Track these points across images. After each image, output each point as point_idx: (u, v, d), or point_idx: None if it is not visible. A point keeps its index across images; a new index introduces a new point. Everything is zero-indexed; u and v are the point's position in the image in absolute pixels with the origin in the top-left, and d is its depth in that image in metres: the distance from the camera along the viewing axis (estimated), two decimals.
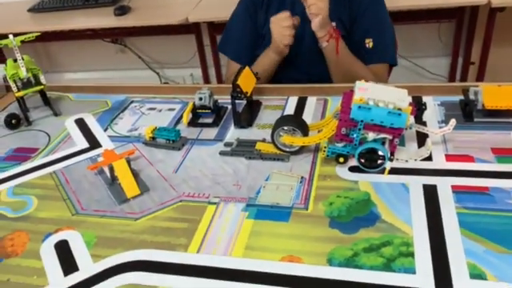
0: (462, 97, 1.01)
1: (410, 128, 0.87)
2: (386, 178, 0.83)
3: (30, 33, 1.15)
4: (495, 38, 2.08)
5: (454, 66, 2.40)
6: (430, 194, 0.77)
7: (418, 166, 0.84)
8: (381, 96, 0.80)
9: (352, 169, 0.86)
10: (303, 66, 1.29)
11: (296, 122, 0.91)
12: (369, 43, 1.25)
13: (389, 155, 0.82)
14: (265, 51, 1.26)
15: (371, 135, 0.82)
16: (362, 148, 0.82)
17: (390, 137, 0.82)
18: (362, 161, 0.84)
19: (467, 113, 0.97)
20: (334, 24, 1.21)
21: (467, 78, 2.33)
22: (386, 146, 0.83)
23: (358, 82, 0.84)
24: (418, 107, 0.91)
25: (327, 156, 0.86)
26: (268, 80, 1.30)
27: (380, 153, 0.82)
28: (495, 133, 0.91)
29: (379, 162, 0.83)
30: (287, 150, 0.91)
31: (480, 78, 2.21)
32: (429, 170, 0.83)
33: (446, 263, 0.65)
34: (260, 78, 1.12)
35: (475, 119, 0.96)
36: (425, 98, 1.05)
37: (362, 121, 0.80)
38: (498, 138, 0.90)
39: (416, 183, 0.80)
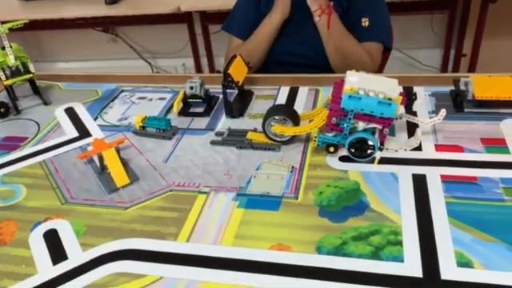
0: (452, 87, 1.01)
1: (401, 118, 0.87)
2: (375, 167, 0.83)
3: (20, 20, 1.13)
4: (487, 30, 2.09)
5: (446, 58, 2.41)
6: (419, 183, 0.78)
7: (408, 156, 0.85)
8: (371, 86, 0.80)
9: (342, 158, 0.86)
10: (298, 37, 1.30)
11: (287, 111, 0.91)
12: (365, 22, 1.26)
13: (378, 145, 0.83)
14: (266, 16, 1.28)
15: (361, 125, 0.82)
16: (352, 138, 0.82)
17: (380, 127, 0.82)
18: (352, 150, 0.84)
19: (458, 103, 0.98)
20: (331, 2, 1.23)
21: (459, 70, 2.34)
22: (376, 135, 0.84)
23: (348, 72, 0.84)
24: (409, 97, 0.91)
25: (318, 146, 0.86)
26: (265, 52, 1.31)
27: (370, 142, 0.82)
28: (485, 123, 0.92)
29: (369, 151, 0.83)
30: (278, 139, 0.91)
31: (472, 69, 2.23)
32: (418, 160, 0.83)
33: (434, 252, 0.65)
34: (252, 66, 1.11)
35: (465, 109, 0.96)
36: (416, 89, 1.05)
37: (352, 110, 0.80)
38: (487, 128, 0.90)
39: (405, 173, 0.80)
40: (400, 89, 0.81)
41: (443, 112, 0.85)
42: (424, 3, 2.01)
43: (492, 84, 0.96)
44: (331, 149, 0.86)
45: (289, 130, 0.89)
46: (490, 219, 0.70)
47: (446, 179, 0.78)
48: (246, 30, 1.33)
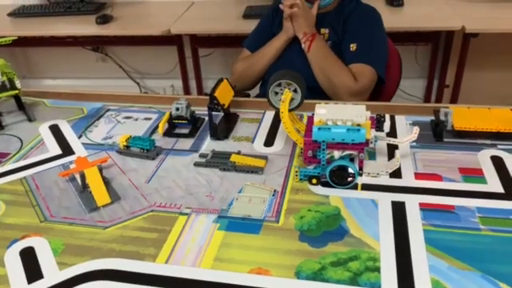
0: (433, 117, 1.04)
1: (376, 141, 0.89)
2: (356, 193, 0.84)
3: (8, 37, 1.14)
4: (469, 62, 2.15)
5: (430, 88, 2.47)
6: (399, 210, 0.79)
7: (388, 183, 0.86)
8: (339, 115, 0.83)
9: (324, 183, 0.87)
10: (291, 59, 1.39)
11: (291, 75, 0.92)
12: (353, 47, 1.33)
13: (358, 170, 0.84)
14: (276, 36, 1.42)
15: (336, 153, 0.84)
16: (331, 166, 0.84)
17: (355, 152, 0.84)
18: (334, 179, 0.85)
19: (437, 133, 1.00)
20: (327, 30, 1.35)
21: (442, 100, 2.40)
22: (356, 162, 0.85)
23: (316, 105, 0.87)
24: (378, 119, 0.91)
25: (300, 180, 0.87)
26: (264, 68, 1.43)
27: (350, 170, 0.83)
28: (463, 153, 0.94)
29: (349, 179, 0.84)
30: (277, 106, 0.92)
31: (454, 100, 2.28)
32: (398, 188, 0.85)
33: (411, 278, 0.66)
34: (238, 90, 1.14)
35: (445, 139, 0.99)
36: (397, 118, 1.07)
37: (323, 141, 0.83)
38: (465, 158, 0.93)
39: (385, 199, 0.82)
40: (368, 114, 0.85)
41: (417, 129, 0.88)
42: (409, 35, 2.07)
43: (471, 115, 0.99)
44: (313, 181, 0.87)
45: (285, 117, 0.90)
46: (466, 247, 0.71)
47: (424, 207, 0.80)
48: (256, 45, 1.47)
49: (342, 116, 0.83)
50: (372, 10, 1.42)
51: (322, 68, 1.32)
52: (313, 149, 0.85)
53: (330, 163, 0.84)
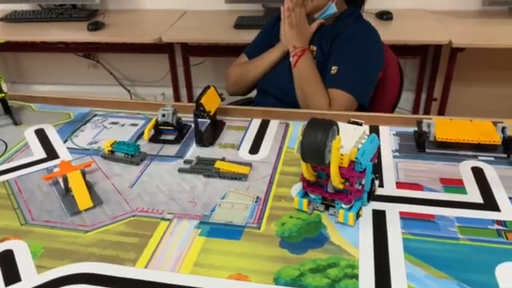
0: (416, 128, 1.05)
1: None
2: None
3: None
4: (456, 76, 2.19)
5: (418, 101, 2.49)
6: (379, 218, 0.80)
7: None
8: (350, 137, 0.78)
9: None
10: (281, 72, 1.38)
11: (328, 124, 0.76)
12: (334, 70, 1.29)
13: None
14: (273, 47, 1.41)
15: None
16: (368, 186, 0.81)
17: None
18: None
19: (420, 143, 1.01)
20: (315, 47, 1.33)
21: (430, 113, 2.42)
22: None
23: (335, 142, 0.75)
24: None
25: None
26: (257, 77, 1.42)
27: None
28: (445, 164, 0.95)
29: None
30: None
31: (441, 113, 2.31)
32: (379, 196, 0.85)
33: (389, 286, 0.66)
34: (224, 98, 1.14)
35: (427, 150, 1.00)
36: (381, 128, 1.09)
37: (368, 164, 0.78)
38: (447, 168, 0.94)
39: (366, 208, 0.82)
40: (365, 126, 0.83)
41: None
42: (397, 48, 2.09)
43: (453, 127, 1.01)
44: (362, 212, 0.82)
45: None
46: (444, 256, 0.72)
47: (404, 216, 0.80)
48: (254, 52, 1.46)
49: (352, 135, 0.78)
50: (366, 31, 1.35)
51: (302, 86, 1.29)
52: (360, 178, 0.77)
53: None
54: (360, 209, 0.80)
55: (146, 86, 2.85)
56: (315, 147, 0.73)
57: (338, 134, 0.76)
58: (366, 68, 1.33)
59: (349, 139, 0.77)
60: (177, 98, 2.62)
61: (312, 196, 0.82)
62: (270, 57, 1.40)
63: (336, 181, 0.76)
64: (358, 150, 0.75)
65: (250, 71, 1.44)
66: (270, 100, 1.39)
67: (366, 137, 0.79)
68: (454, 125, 1.02)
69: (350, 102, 1.27)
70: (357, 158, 0.74)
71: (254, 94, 1.52)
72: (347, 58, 1.29)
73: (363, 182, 0.78)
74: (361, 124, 0.82)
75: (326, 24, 1.36)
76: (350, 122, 0.82)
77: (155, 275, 0.70)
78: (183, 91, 2.61)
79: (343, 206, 0.79)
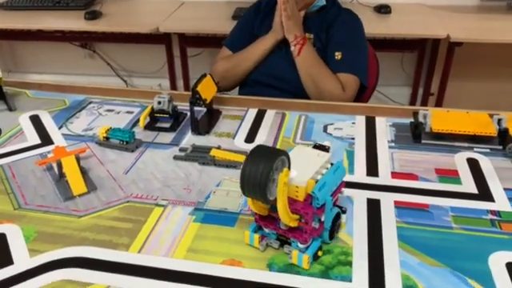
0: (412, 119, 1.05)
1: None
2: None
3: None
4: (453, 71, 2.18)
5: (415, 96, 2.49)
6: (373, 207, 0.80)
7: (364, 181, 0.87)
8: (308, 164, 0.68)
9: None
10: (278, 61, 1.38)
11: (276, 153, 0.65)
12: (338, 56, 1.32)
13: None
14: (261, 37, 1.38)
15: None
16: (330, 220, 0.70)
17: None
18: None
19: (416, 134, 1.01)
20: (311, 35, 1.35)
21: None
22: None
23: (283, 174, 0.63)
24: (319, 147, 0.74)
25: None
26: (249, 69, 1.39)
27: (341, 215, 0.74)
28: (440, 154, 0.96)
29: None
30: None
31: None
32: (374, 186, 0.85)
33: (382, 273, 0.66)
34: (221, 86, 1.13)
35: (423, 141, 1.00)
36: (378, 119, 1.09)
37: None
38: (442, 159, 0.94)
39: (360, 197, 0.82)
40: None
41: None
42: (395, 42, 2.09)
43: (449, 118, 1.01)
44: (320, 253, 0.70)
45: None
46: (437, 245, 0.72)
47: (399, 205, 0.80)
48: (237, 45, 1.44)
49: (313, 163, 0.68)
50: (354, 18, 1.41)
51: (311, 74, 1.30)
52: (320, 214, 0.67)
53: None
54: (319, 249, 0.69)
55: (142, 77, 2.83)
56: (256, 180, 0.61)
57: (289, 164, 0.65)
58: (364, 52, 1.39)
59: (308, 168, 0.66)
60: (174, 88, 2.60)
61: (266, 230, 0.72)
62: (262, 47, 1.37)
63: (286, 219, 0.65)
64: (317, 181, 0.65)
65: (240, 64, 1.40)
66: (265, 90, 1.37)
67: (330, 166, 0.70)
68: (450, 116, 1.02)
69: (357, 84, 1.32)
70: (313, 193, 0.64)
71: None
72: (349, 44, 1.34)
73: (322, 219, 0.68)
74: (328, 149, 0.72)
75: (314, 13, 1.39)
76: (315, 147, 0.73)
77: (148, 260, 0.70)
78: (180, 82, 2.59)
79: (299, 245, 0.68)
